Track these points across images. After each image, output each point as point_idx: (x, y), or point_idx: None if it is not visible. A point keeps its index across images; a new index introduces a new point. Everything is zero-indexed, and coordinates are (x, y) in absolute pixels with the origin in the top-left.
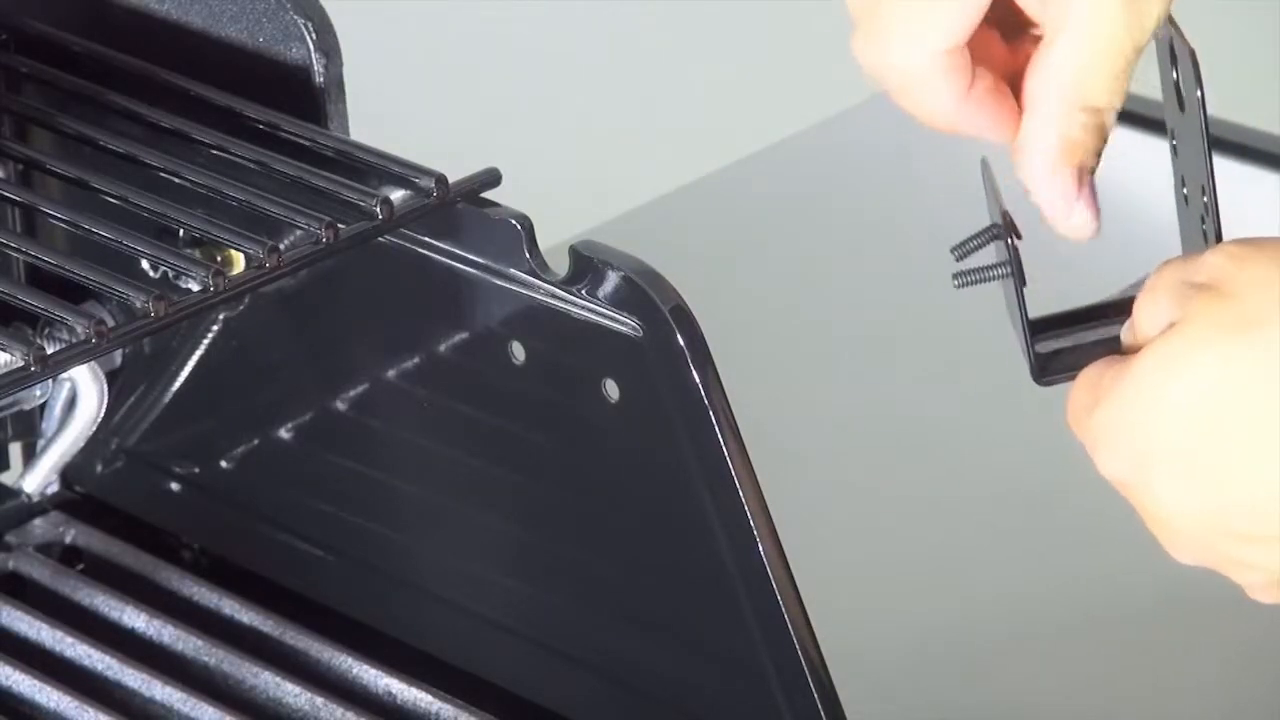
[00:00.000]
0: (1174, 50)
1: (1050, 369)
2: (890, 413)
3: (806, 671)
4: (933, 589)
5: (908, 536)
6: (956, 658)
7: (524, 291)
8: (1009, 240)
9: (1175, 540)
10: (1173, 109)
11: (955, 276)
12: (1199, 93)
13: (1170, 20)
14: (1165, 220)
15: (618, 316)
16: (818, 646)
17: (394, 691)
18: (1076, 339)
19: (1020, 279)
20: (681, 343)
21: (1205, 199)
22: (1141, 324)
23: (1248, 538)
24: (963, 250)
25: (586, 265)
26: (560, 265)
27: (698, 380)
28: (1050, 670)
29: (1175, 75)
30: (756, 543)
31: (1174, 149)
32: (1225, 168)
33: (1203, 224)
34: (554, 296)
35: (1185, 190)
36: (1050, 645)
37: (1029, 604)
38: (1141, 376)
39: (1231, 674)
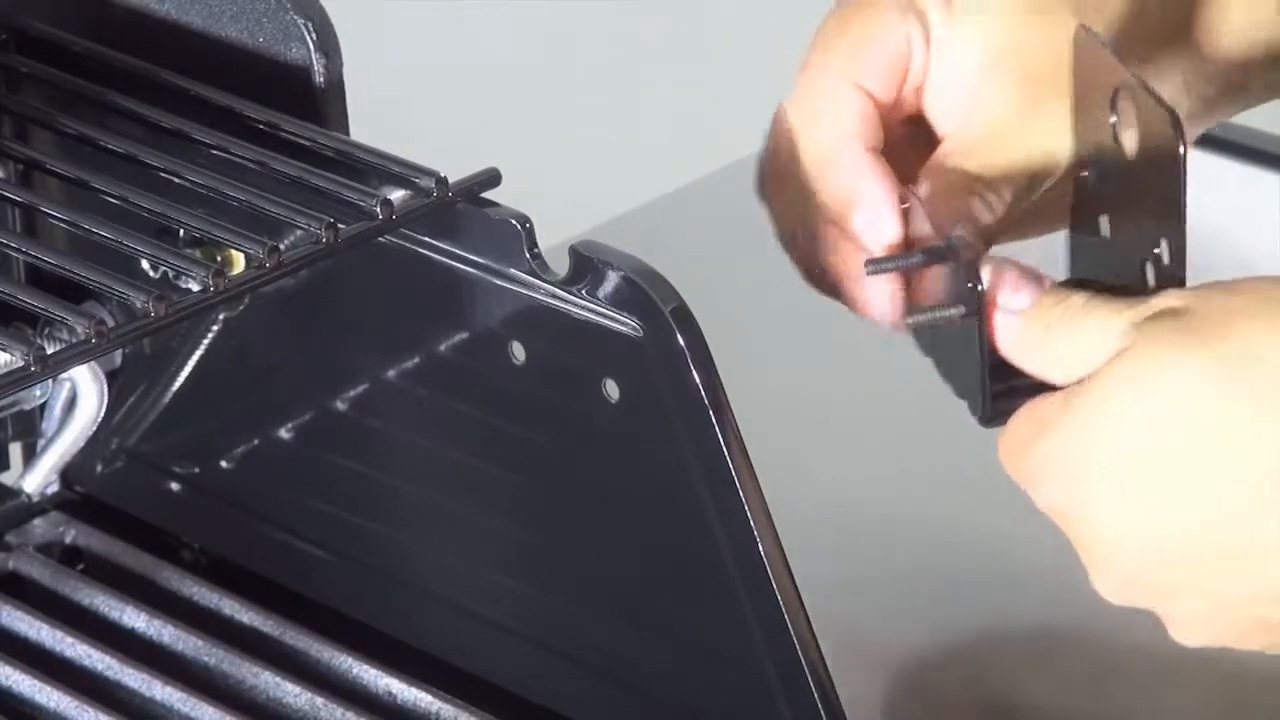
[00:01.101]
0: (1117, 99)
1: (1000, 410)
2: (891, 412)
3: (806, 671)
4: (934, 588)
5: (910, 536)
6: (958, 658)
7: (524, 291)
8: (977, 282)
9: (1109, 566)
10: (1100, 146)
11: (909, 316)
12: (1181, 149)
13: (1134, 79)
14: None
15: (618, 316)
16: (818, 646)
17: (394, 691)
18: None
19: (984, 319)
20: (681, 343)
21: (1162, 254)
22: (1080, 358)
23: (1184, 558)
24: (881, 268)
25: (586, 265)
26: (560, 265)
27: (698, 380)
28: (1051, 670)
29: (1113, 118)
30: (756, 543)
31: (1084, 179)
32: (1225, 167)
33: (1144, 269)
34: (554, 296)
35: (1108, 226)
36: (1053, 645)
37: (1033, 603)
38: (1103, 394)
39: None
